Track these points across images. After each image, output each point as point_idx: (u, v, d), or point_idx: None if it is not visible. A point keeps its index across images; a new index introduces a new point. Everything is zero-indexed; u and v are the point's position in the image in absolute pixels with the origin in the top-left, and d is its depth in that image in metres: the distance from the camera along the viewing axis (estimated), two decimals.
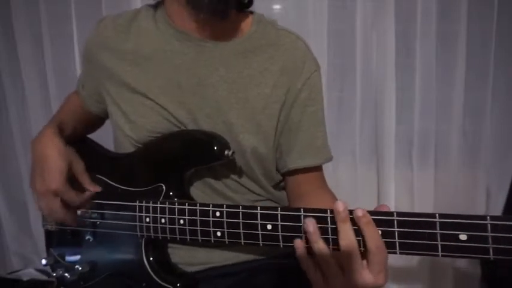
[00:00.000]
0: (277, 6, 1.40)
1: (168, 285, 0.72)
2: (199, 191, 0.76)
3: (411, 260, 1.46)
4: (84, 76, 0.86)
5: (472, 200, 1.40)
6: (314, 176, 0.78)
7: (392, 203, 1.42)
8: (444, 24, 1.33)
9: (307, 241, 0.52)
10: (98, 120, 0.93)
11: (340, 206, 0.49)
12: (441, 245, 0.47)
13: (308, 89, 0.75)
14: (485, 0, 1.31)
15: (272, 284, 0.76)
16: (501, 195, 1.35)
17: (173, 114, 0.72)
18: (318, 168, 0.79)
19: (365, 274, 0.47)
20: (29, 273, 1.65)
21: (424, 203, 1.41)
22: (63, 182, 0.69)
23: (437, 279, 1.46)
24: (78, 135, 0.87)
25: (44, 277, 1.64)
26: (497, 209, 1.37)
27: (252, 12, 0.79)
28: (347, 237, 0.48)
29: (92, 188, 0.74)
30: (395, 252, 0.49)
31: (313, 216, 0.52)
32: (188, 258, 0.76)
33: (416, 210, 1.42)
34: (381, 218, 0.49)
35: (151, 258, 0.73)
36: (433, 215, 0.48)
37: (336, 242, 0.50)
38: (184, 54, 0.73)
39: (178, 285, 0.71)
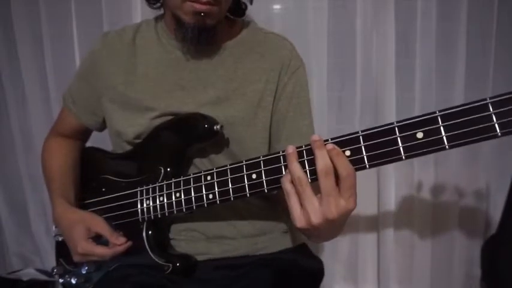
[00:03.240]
0: (277, 6, 1.40)
1: (166, 264, 0.76)
2: None
3: (412, 261, 1.46)
4: (77, 91, 0.91)
5: (472, 199, 1.40)
6: None
7: (393, 202, 1.42)
8: (444, 24, 1.33)
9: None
10: (83, 143, 0.98)
11: (315, 136, 0.55)
12: (402, 147, 0.52)
13: (293, 83, 0.82)
14: (485, 0, 1.31)
15: (270, 279, 0.78)
16: (501, 195, 1.35)
17: (180, 113, 0.79)
18: None
19: (338, 199, 0.52)
20: (29, 273, 1.65)
21: (424, 202, 1.42)
22: (86, 245, 0.76)
23: (437, 280, 1.46)
24: (76, 169, 0.92)
25: (44, 277, 1.64)
26: (497, 209, 1.38)
27: (243, 20, 0.88)
28: (324, 160, 0.53)
29: (115, 241, 0.77)
30: (365, 167, 0.54)
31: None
32: (188, 249, 0.81)
33: (417, 209, 1.42)
34: (348, 137, 0.56)
35: (151, 239, 0.77)
36: (391, 123, 0.53)
37: (313, 172, 0.56)
38: (185, 60, 0.81)
39: (178, 264, 0.75)
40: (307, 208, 0.53)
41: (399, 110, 1.38)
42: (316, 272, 0.88)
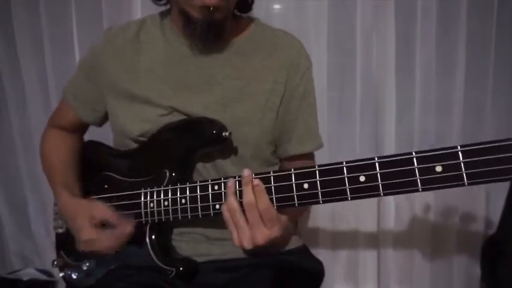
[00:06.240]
0: (277, 6, 1.40)
1: (170, 268, 0.75)
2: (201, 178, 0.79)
3: (412, 261, 1.46)
4: (77, 86, 0.90)
5: (472, 200, 1.40)
6: (309, 161, 0.88)
7: (392, 203, 1.42)
8: (444, 24, 1.33)
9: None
10: (81, 136, 0.98)
11: (246, 172, 0.62)
12: (420, 179, 0.51)
13: (304, 83, 0.82)
14: (485, 0, 1.31)
15: (270, 280, 0.78)
16: (501, 195, 1.35)
17: (185, 112, 0.78)
18: (312, 155, 0.90)
19: (263, 229, 0.62)
20: (29, 273, 1.65)
21: (424, 202, 1.41)
22: (90, 231, 0.76)
23: (437, 280, 1.46)
24: (76, 162, 0.92)
25: (44, 277, 1.64)
26: (497, 209, 1.37)
27: (249, 17, 0.86)
28: (248, 196, 0.61)
29: (123, 223, 0.76)
30: (379, 195, 0.54)
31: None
32: (189, 250, 0.80)
33: (417, 210, 1.42)
34: (364, 163, 0.55)
35: (154, 242, 0.77)
36: (409, 153, 0.52)
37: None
38: (192, 57, 0.79)
39: (180, 269, 0.75)
40: (239, 235, 0.63)
41: (399, 110, 1.38)
42: (317, 273, 0.88)
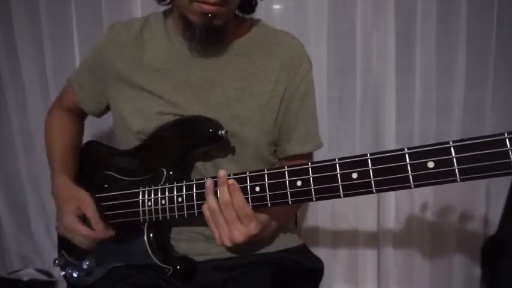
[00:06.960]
0: (277, 6, 1.40)
1: (167, 266, 0.75)
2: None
3: (412, 262, 1.46)
4: (83, 78, 0.91)
5: (472, 200, 1.40)
6: (307, 160, 0.88)
7: (393, 203, 1.42)
8: (444, 24, 1.33)
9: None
10: (83, 120, 1.00)
11: (221, 172, 0.64)
12: (412, 175, 0.50)
13: (305, 84, 0.83)
14: (485, 0, 1.31)
15: (269, 278, 0.79)
16: (501, 195, 1.35)
17: (186, 112, 0.78)
18: (310, 154, 0.91)
19: (240, 227, 0.63)
20: (29, 273, 1.65)
21: (424, 202, 1.41)
22: (72, 220, 0.78)
23: (437, 280, 1.46)
24: (78, 147, 0.94)
25: (44, 277, 1.64)
26: (498, 209, 1.37)
27: (252, 18, 0.87)
28: (224, 195, 0.63)
29: (95, 225, 0.77)
30: (371, 192, 0.54)
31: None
32: (188, 249, 0.81)
33: (417, 210, 1.42)
34: (356, 159, 0.55)
35: (152, 241, 0.77)
36: (401, 149, 0.52)
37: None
38: (194, 58, 0.80)
39: (178, 267, 0.75)
40: (220, 233, 0.64)
41: (399, 110, 1.38)
42: (316, 271, 0.89)
